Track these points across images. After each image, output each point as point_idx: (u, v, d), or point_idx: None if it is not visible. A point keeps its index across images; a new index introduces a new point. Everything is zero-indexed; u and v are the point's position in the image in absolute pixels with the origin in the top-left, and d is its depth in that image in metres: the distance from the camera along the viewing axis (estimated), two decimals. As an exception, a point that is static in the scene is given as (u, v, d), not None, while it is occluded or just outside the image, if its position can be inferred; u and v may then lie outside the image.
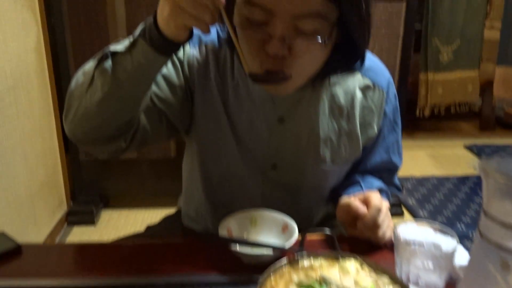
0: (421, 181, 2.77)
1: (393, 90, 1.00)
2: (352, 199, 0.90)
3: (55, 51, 2.09)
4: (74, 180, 2.27)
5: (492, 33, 3.89)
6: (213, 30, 0.94)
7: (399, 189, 1.12)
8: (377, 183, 1.04)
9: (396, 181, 1.11)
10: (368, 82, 0.96)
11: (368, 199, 0.88)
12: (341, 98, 0.94)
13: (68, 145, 2.21)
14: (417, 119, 3.50)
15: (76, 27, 2.06)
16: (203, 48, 0.92)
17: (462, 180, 2.79)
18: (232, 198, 1.02)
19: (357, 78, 0.96)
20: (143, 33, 0.72)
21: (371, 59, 0.98)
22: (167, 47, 0.72)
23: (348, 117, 0.95)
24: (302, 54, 0.76)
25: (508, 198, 0.64)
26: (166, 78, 0.90)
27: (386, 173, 1.07)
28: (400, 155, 1.06)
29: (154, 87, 0.88)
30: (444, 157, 3.32)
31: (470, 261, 0.64)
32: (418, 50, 3.37)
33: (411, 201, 2.52)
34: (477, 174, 2.84)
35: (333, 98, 0.94)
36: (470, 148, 3.42)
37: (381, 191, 1.03)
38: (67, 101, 0.81)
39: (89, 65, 0.78)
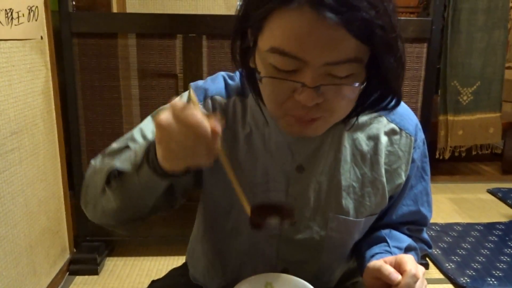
0: (445, 229, 2.60)
1: (421, 136, 0.93)
2: (383, 263, 0.80)
3: (64, 93, 2.04)
4: (78, 226, 2.17)
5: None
6: (219, 80, 0.90)
7: (429, 246, 1.03)
8: (406, 239, 0.96)
9: (426, 236, 1.02)
10: (394, 127, 0.89)
11: (402, 263, 0.79)
12: (364, 143, 0.88)
13: (74, 189, 2.12)
14: (437, 161, 3.36)
15: (86, 70, 2.03)
16: (209, 102, 0.88)
17: (489, 227, 2.62)
18: (243, 259, 0.94)
19: (382, 123, 0.89)
20: (147, 157, 0.71)
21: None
22: (169, 175, 0.70)
23: (372, 164, 0.88)
24: (336, 99, 0.71)
25: None
26: None
27: (414, 226, 0.98)
28: (429, 206, 0.98)
29: None
30: (467, 201, 3.16)
31: None
32: (437, 91, 3.28)
33: (436, 251, 2.35)
34: (504, 220, 2.69)
35: (355, 144, 0.88)
36: (493, 193, 3.26)
37: (410, 249, 0.94)
38: (84, 192, 0.83)
39: (100, 175, 0.78)
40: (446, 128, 3.30)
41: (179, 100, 0.85)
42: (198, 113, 0.60)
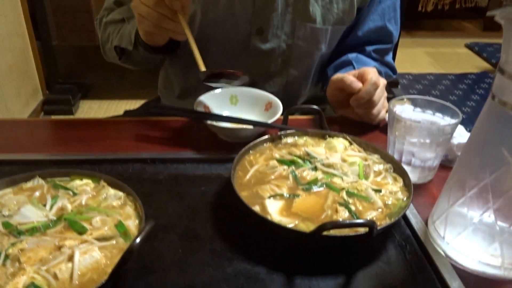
0: (418, 78, 2.64)
1: None
2: (346, 74, 0.81)
3: None
4: (48, 67, 2.11)
5: None
6: None
7: (393, 71, 1.04)
8: (372, 63, 0.96)
9: (390, 59, 1.02)
10: None
11: (364, 74, 0.80)
12: None
13: (39, 30, 2.01)
14: (418, 17, 3.27)
15: None
16: None
17: (460, 77, 2.66)
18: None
19: None
20: (137, 39, 0.83)
21: None
22: (157, 50, 0.83)
23: None
24: None
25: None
26: None
27: (380, 46, 0.98)
28: (396, 23, 0.97)
29: None
30: (444, 55, 3.17)
31: (476, 129, 0.54)
32: None
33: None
34: (476, 71, 2.72)
35: None
36: (471, 47, 3.25)
37: None
38: (103, 53, 0.98)
39: (110, 50, 0.93)
40: (432, -22, 3.14)
41: None
42: None
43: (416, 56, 3.10)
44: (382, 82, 0.83)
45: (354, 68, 0.93)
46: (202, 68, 0.78)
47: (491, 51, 3.10)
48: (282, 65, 0.93)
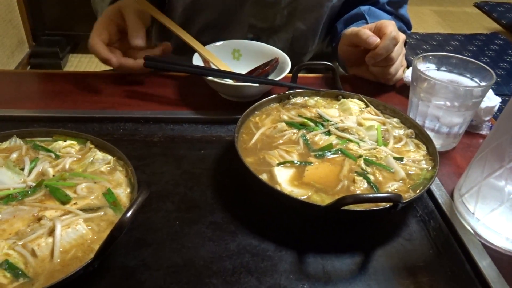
0: (425, 38, 2.53)
1: None
2: (362, 28, 0.73)
3: None
4: (33, 17, 1.98)
5: None
6: None
7: (408, 25, 0.96)
8: (386, 16, 0.88)
9: (406, 13, 0.94)
10: None
11: (382, 28, 0.73)
12: None
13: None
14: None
15: None
16: None
17: (470, 38, 2.55)
18: (212, 30, 0.86)
19: None
20: None
21: None
22: None
23: None
24: None
25: None
26: None
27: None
28: None
29: None
30: (452, 14, 3.03)
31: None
32: None
33: (412, 57, 2.31)
34: (486, 32, 2.61)
35: None
36: (480, 6, 3.11)
37: None
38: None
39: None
40: None
41: None
42: None
43: (424, 15, 2.97)
44: (402, 37, 0.75)
45: (367, 22, 0.85)
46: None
47: (502, 11, 2.96)
48: (288, 17, 0.84)
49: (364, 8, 0.88)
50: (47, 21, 1.99)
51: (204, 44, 0.76)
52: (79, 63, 2.09)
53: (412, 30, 2.77)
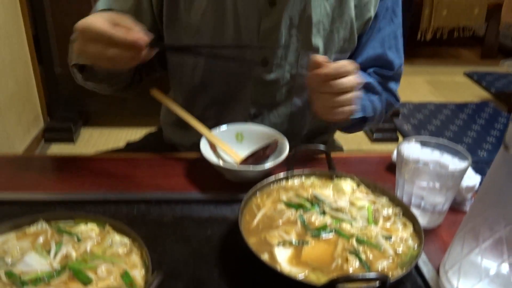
0: (418, 107, 2.66)
1: None
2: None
3: None
4: (50, 94, 2.12)
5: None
6: None
7: (396, 98, 0.99)
8: (369, 78, 0.91)
9: (393, 86, 0.96)
10: None
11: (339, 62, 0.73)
12: None
13: (42, 56, 2.03)
14: (417, 45, 3.31)
15: None
16: None
17: (461, 106, 2.68)
18: (216, 107, 0.92)
19: None
20: None
21: None
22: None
23: None
24: None
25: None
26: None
27: (381, 70, 0.94)
28: (398, 51, 0.94)
29: None
30: (443, 83, 3.19)
31: (489, 178, 0.54)
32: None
33: (407, 127, 2.41)
34: (476, 101, 2.74)
35: None
36: (470, 75, 3.28)
37: (370, 88, 0.90)
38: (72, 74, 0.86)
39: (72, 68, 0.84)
40: (431, 7, 3.19)
41: None
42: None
43: (416, 85, 3.12)
44: (360, 80, 0.75)
45: None
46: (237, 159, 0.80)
47: (490, 80, 3.13)
48: (287, 94, 0.92)
49: None
50: (62, 97, 2.13)
51: (210, 119, 0.84)
52: (90, 136, 2.19)
53: (405, 100, 2.92)
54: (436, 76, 3.33)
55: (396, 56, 0.93)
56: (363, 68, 0.93)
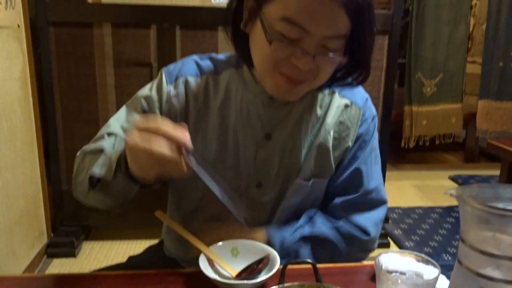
0: (407, 212, 2.77)
1: (371, 111, 1.00)
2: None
3: (40, 80, 2.09)
4: (55, 211, 2.23)
5: (473, 68, 3.99)
6: (191, 62, 0.98)
7: (365, 232, 0.97)
8: (325, 229, 0.96)
9: (362, 220, 0.97)
10: (346, 101, 0.97)
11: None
12: (318, 111, 0.96)
13: (50, 175, 2.17)
14: (403, 151, 3.53)
15: (62, 58, 2.08)
16: (180, 82, 0.95)
17: (448, 210, 2.79)
18: (217, 219, 1.00)
19: (335, 98, 0.97)
20: (121, 164, 0.80)
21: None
22: (142, 181, 0.80)
23: (322, 129, 0.95)
24: (324, 66, 0.83)
25: (484, 226, 0.64)
26: None
27: (351, 198, 0.98)
28: (376, 180, 0.99)
29: None
30: (430, 187, 3.34)
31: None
32: (403, 84, 3.45)
33: (397, 232, 2.51)
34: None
35: (310, 112, 0.96)
36: (455, 179, 3.45)
37: (307, 239, 0.96)
38: (74, 184, 0.92)
39: (84, 177, 0.87)
40: (411, 118, 3.46)
41: (149, 91, 0.95)
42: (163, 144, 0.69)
43: (404, 189, 3.27)
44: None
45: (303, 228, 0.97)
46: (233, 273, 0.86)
47: (474, 183, 3.29)
48: (271, 214, 1.00)
49: (310, 213, 0.99)
50: (65, 213, 2.23)
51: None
52: (91, 250, 2.26)
53: (394, 205, 3.03)
54: (423, 181, 3.49)
55: (371, 183, 0.98)
56: (334, 191, 0.99)
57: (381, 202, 1.00)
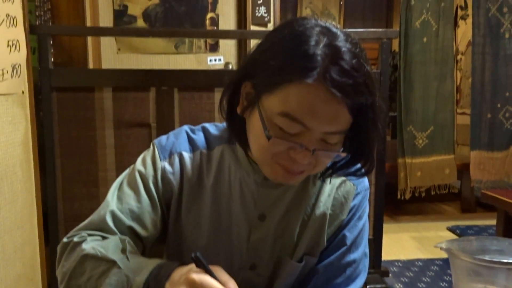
0: (407, 265, 2.75)
1: (363, 185, 0.99)
2: None
3: (42, 143, 2.14)
4: (52, 274, 2.20)
5: (464, 119, 4.12)
6: (183, 135, 0.97)
7: None
8: None
9: None
10: (341, 178, 0.96)
11: None
12: (312, 189, 0.95)
13: (48, 237, 2.17)
14: (400, 202, 3.56)
15: (64, 121, 2.14)
16: (175, 158, 0.93)
17: (448, 262, 2.77)
18: None
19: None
20: None
21: None
22: None
23: (317, 207, 0.94)
24: (323, 159, 0.82)
25: (474, 278, 0.66)
26: (149, 217, 0.91)
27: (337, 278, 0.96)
28: (364, 254, 0.99)
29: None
30: (428, 239, 3.33)
31: None
32: (396, 136, 3.53)
33: (398, 286, 2.47)
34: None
35: (306, 192, 0.95)
36: (453, 230, 3.45)
37: None
38: (66, 278, 0.85)
39: (83, 281, 0.81)
40: (405, 170, 3.52)
41: (142, 166, 0.93)
42: None
43: (403, 241, 3.26)
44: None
45: None
46: None
47: (472, 234, 3.29)
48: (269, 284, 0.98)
49: None
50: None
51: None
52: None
53: (394, 258, 3.01)
54: (421, 232, 3.49)
55: (356, 254, 0.97)
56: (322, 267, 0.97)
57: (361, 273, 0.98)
